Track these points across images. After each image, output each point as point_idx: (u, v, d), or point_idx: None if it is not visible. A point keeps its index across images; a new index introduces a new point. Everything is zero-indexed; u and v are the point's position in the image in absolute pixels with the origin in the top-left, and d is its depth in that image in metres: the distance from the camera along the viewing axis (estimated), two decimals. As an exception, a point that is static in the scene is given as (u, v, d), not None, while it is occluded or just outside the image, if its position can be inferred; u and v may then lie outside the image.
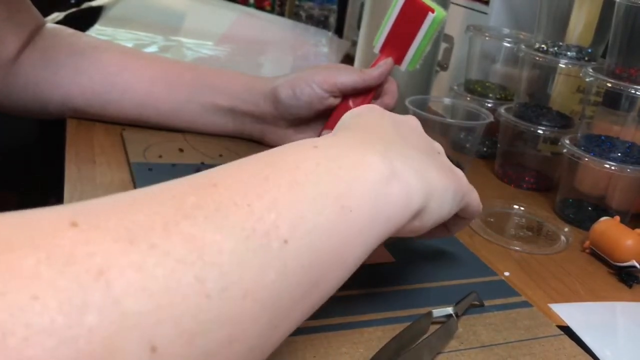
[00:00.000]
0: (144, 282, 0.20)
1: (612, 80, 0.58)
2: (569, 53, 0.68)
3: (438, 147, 0.41)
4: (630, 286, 0.51)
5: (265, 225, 0.25)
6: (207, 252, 0.22)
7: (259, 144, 0.66)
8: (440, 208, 0.35)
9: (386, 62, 0.62)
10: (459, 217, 0.42)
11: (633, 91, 0.57)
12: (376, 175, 0.31)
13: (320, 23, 1.22)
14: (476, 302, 0.43)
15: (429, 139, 0.40)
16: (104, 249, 0.20)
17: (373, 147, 0.32)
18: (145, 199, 0.24)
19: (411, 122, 0.40)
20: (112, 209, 0.23)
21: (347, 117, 0.38)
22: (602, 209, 0.61)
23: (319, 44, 1.07)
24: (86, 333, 0.18)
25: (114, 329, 0.19)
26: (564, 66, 0.67)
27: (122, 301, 0.19)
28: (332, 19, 1.24)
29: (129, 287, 0.20)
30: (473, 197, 0.41)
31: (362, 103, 0.63)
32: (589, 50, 0.68)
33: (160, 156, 0.59)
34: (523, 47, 0.70)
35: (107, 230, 0.21)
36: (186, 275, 0.21)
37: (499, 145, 0.72)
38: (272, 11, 1.36)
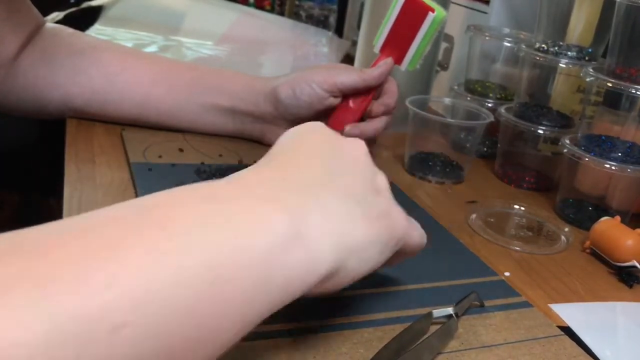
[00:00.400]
0: None
1: (613, 80, 0.58)
2: (569, 53, 0.68)
3: (380, 183, 0.36)
4: (630, 286, 0.51)
5: (95, 307, 0.21)
6: (7, 344, 0.19)
7: (259, 143, 0.66)
8: (362, 264, 0.32)
9: (386, 62, 0.62)
10: (401, 253, 0.37)
11: (633, 91, 0.57)
12: (275, 239, 0.27)
13: (320, 23, 1.22)
14: (476, 303, 0.43)
15: (371, 172, 0.35)
16: None
17: (285, 200, 0.29)
18: None
19: (354, 151, 0.35)
20: None
21: (283, 141, 0.35)
22: (602, 209, 0.61)
23: (319, 44, 1.06)
24: None
25: None
26: (564, 66, 0.67)
27: None
28: (332, 19, 1.24)
29: None
30: (413, 236, 0.37)
31: (362, 103, 0.63)
32: (589, 50, 0.68)
33: (160, 156, 0.59)
34: (523, 46, 0.70)
35: None
36: None
37: (499, 145, 0.72)
38: (272, 11, 1.36)
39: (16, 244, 0.22)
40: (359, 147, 0.36)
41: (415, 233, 0.37)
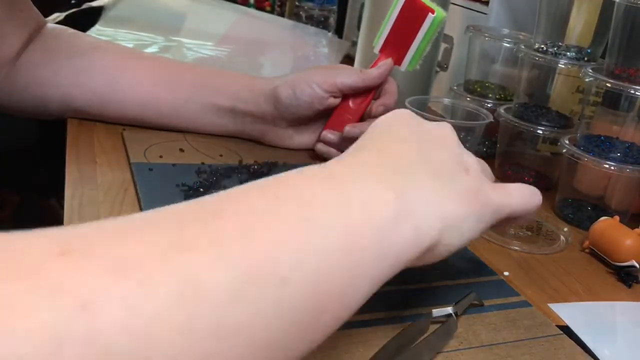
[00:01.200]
0: (129, 319, 0.19)
1: (612, 81, 0.58)
2: (568, 53, 0.68)
3: (469, 162, 0.37)
4: (629, 286, 0.51)
5: (267, 263, 0.24)
6: (201, 289, 0.21)
7: (259, 143, 0.66)
8: (459, 238, 0.34)
9: (386, 63, 0.62)
10: (511, 219, 0.40)
11: (632, 91, 0.57)
12: (388, 214, 0.30)
13: (320, 23, 1.22)
14: (476, 302, 0.43)
15: (460, 152, 0.37)
16: (92, 280, 0.19)
17: (389, 180, 0.31)
18: (143, 226, 0.23)
19: (443, 132, 0.38)
20: (106, 237, 0.22)
21: (375, 128, 0.37)
22: (601, 208, 0.62)
23: (319, 45, 1.07)
24: None
25: None
26: (563, 66, 0.67)
27: (104, 336, 0.18)
28: (332, 20, 1.24)
29: (113, 322, 0.19)
30: (511, 205, 0.38)
31: (362, 103, 0.63)
32: (589, 51, 0.68)
33: (161, 156, 0.59)
34: (522, 47, 0.70)
35: (97, 261, 0.20)
36: (177, 312, 0.20)
37: (498, 145, 0.72)
38: (272, 12, 1.36)
39: (192, 212, 0.25)
40: (447, 127, 0.39)
41: (513, 200, 0.38)
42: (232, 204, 0.26)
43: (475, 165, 0.37)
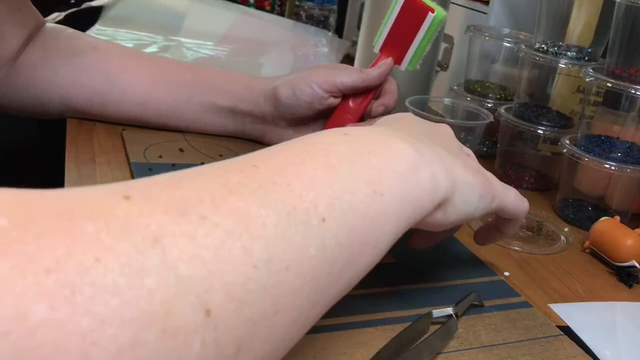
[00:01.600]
0: (196, 250, 0.21)
1: (612, 80, 0.58)
2: (568, 53, 0.68)
3: (468, 151, 0.42)
4: (630, 286, 0.51)
5: (305, 204, 0.26)
6: (252, 225, 0.23)
7: (259, 143, 0.66)
8: (465, 204, 0.36)
9: (386, 62, 0.62)
10: (507, 219, 0.43)
11: (633, 91, 0.57)
12: (406, 162, 0.32)
13: (320, 23, 1.22)
14: (476, 303, 0.43)
15: (459, 143, 0.41)
16: (157, 219, 0.21)
17: (402, 138, 0.34)
18: (192, 177, 0.25)
19: (442, 128, 0.42)
20: (162, 185, 0.24)
21: (380, 120, 0.40)
22: (602, 209, 0.61)
23: (319, 44, 1.07)
24: (146, 295, 0.19)
25: (171, 292, 0.20)
26: (563, 66, 0.67)
27: (177, 267, 0.20)
28: (332, 19, 1.24)
29: (182, 254, 0.21)
30: (508, 195, 0.41)
31: (362, 103, 0.63)
32: (589, 51, 0.68)
33: (161, 156, 0.59)
34: (523, 47, 0.70)
35: (158, 203, 0.22)
36: (234, 245, 0.22)
37: (498, 145, 0.72)
38: (272, 11, 1.36)
39: (231, 165, 0.27)
40: (446, 126, 0.42)
41: (510, 195, 0.41)
42: (264, 158, 0.28)
43: (474, 156, 0.42)
